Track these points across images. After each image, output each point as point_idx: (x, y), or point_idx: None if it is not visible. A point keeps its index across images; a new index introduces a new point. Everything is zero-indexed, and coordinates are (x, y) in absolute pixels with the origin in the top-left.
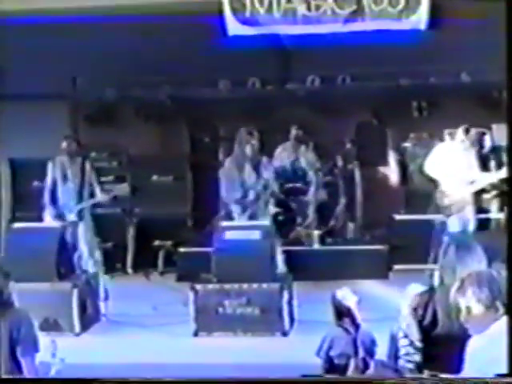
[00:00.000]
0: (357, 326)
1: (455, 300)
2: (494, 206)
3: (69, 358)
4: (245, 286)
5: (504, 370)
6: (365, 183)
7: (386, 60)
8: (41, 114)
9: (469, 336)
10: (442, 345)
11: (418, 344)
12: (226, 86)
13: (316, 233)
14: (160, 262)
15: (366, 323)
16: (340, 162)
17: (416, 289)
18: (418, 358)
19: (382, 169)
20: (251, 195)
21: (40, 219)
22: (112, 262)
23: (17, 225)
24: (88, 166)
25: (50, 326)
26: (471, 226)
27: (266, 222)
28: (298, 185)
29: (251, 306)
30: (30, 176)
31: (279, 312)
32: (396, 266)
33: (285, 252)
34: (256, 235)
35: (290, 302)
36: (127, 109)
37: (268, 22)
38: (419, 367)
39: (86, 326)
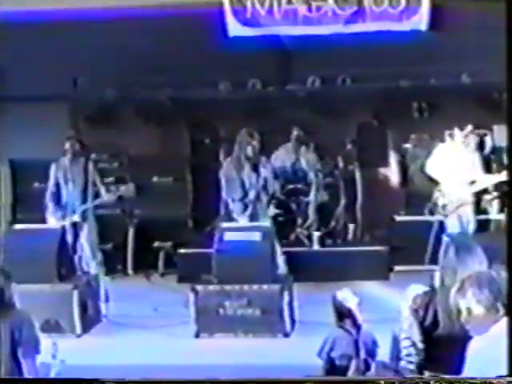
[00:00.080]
0: (358, 327)
1: (455, 301)
2: (494, 207)
3: (70, 359)
4: (245, 287)
5: (504, 371)
6: (365, 184)
7: (387, 61)
8: (41, 114)
9: (469, 337)
10: (442, 346)
11: (420, 345)
12: (227, 87)
13: (316, 234)
14: (160, 263)
15: (367, 324)
16: (341, 163)
17: (416, 289)
18: (419, 358)
19: (382, 170)
20: (251, 195)
21: (41, 220)
22: (112, 264)
23: (17, 226)
24: (91, 166)
25: (51, 327)
26: (471, 227)
27: (266, 223)
28: (299, 186)
29: (252, 307)
30: (31, 177)
31: (280, 313)
32: (396, 267)
33: (285, 253)
34: (256, 236)
35: (290, 303)
36: (127, 110)
37: (269, 23)
38: (420, 368)
39: (86, 327)
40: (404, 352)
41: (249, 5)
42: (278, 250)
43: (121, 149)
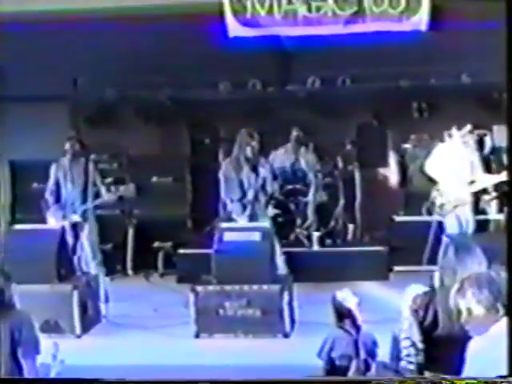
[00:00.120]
0: (358, 328)
1: (455, 301)
2: (493, 207)
3: (70, 359)
4: (245, 287)
5: (504, 371)
6: (365, 184)
7: (387, 61)
8: (41, 115)
9: (469, 337)
10: (442, 346)
11: (420, 345)
12: (227, 88)
13: (316, 234)
14: (160, 264)
15: (367, 324)
16: (340, 164)
17: (416, 290)
18: (419, 359)
19: (382, 170)
20: (250, 195)
21: (40, 221)
22: (112, 264)
23: (17, 226)
24: (91, 166)
25: (51, 327)
26: (470, 227)
27: (265, 223)
28: (298, 186)
29: (252, 308)
30: (31, 177)
31: (280, 313)
32: (396, 268)
33: (285, 253)
34: (256, 237)
35: (290, 304)
36: (127, 110)
37: (269, 23)
38: (420, 368)
39: (86, 327)
40: (404, 352)
41: (249, 5)
42: (278, 250)
43: (121, 149)
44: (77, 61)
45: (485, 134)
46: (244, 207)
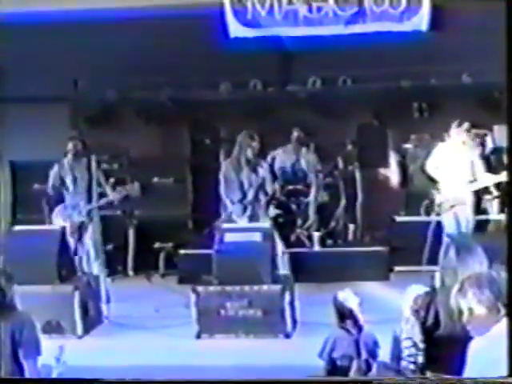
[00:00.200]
0: (359, 328)
1: (456, 301)
2: (494, 207)
3: (71, 360)
4: (246, 287)
5: (505, 371)
6: (365, 185)
7: (387, 61)
8: (42, 116)
9: (470, 337)
10: (444, 346)
11: (421, 345)
12: (227, 88)
13: (317, 234)
14: (161, 264)
15: (368, 325)
16: (341, 164)
17: (416, 290)
18: (420, 359)
19: (382, 170)
20: (250, 195)
21: (41, 221)
22: (113, 264)
23: (18, 227)
24: (94, 165)
25: (53, 328)
26: (469, 226)
27: (266, 223)
28: (299, 186)
29: (253, 308)
30: (31, 178)
31: (281, 314)
32: (397, 268)
33: (286, 254)
34: (257, 237)
35: (291, 304)
36: (128, 111)
37: (269, 23)
38: (421, 368)
39: (88, 328)
40: (405, 352)
41: (249, 5)
42: (279, 250)
43: (121, 150)
44: (77, 61)
45: (485, 134)
46: (244, 208)
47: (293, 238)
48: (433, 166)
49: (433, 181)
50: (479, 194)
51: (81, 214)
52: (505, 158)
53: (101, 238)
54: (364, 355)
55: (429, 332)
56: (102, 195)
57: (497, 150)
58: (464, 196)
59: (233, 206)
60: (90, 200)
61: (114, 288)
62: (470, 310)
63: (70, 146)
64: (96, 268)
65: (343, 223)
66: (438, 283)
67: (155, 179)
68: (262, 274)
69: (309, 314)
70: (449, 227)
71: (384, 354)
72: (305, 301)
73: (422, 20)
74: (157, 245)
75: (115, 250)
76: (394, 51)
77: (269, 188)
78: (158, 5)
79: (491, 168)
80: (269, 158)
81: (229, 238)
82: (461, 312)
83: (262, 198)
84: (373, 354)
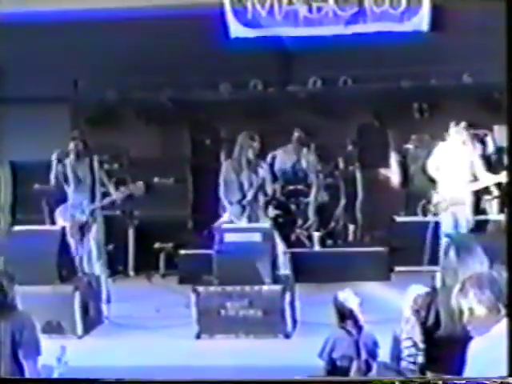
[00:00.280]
0: (359, 328)
1: (457, 302)
2: (494, 207)
3: (72, 360)
4: (247, 288)
5: (505, 371)
6: (366, 185)
7: (388, 62)
8: (42, 116)
9: (470, 337)
10: (444, 346)
11: (421, 345)
12: (228, 88)
13: (317, 234)
14: (161, 265)
15: (368, 325)
16: (341, 164)
17: (417, 290)
18: (420, 359)
19: (383, 170)
20: (249, 196)
21: (41, 221)
22: (113, 265)
23: (18, 227)
24: (96, 165)
25: (53, 328)
26: (467, 226)
27: (266, 224)
28: (299, 187)
29: (253, 308)
30: (31, 178)
31: (281, 314)
32: (397, 268)
33: (287, 254)
34: (257, 237)
35: (292, 304)
36: (128, 111)
37: (270, 23)
38: (422, 368)
39: (88, 328)
40: (405, 352)
41: (249, 6)
42: (280, 250)
43: (122, 150)
44: (77, 61)
45: (485, 134)
46: (243, 209)
47: (293, 238)
48: (433, 167)
49: (433, 181)
50: (479, 194)
51: (84, 214)
52: (505, 158)
53: (103, 238)
54: (364, 355)
55: (429, 332)
56: (105, 195)
57: (497, 150)
58: (463, 196)
59: (231, 206)
60: (93, 200)
61: (115, 288)
62: (471, 310)
63: (72, 145)
64: (98, 268)
65: (343, 223)
66: (438, 283)
67: (155, 179)
68: (262, 274)
69: (309, 314)
70: (446, 227)
71: (384, 354)
72: (305, 301)
73: (422, 20)
74: (157, 245)
75: (116, 250)
76: (395, 51)
77: (268, 188)
78: (157, 5)
79: (491, 168)
80: (269, 158)
81: (229, 238)
82: (461, 312)
83: (261, 199)
84: (373, 354)
